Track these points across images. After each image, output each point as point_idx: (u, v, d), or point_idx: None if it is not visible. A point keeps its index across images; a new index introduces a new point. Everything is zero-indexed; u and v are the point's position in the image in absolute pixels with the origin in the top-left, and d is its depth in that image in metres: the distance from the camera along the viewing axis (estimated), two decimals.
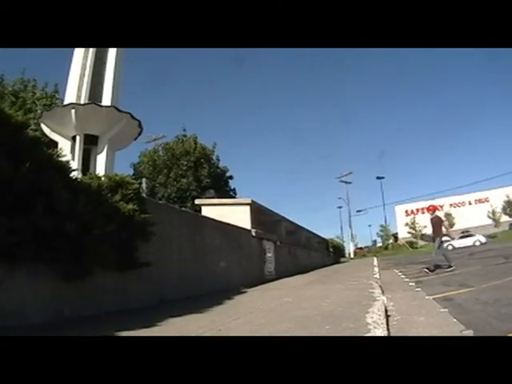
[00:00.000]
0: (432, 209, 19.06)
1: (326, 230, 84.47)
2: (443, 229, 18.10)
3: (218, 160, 43.32)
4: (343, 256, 70.94)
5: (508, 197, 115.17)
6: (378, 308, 5.49)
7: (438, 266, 17.67)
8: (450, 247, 58.59)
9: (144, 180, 35.36)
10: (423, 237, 23.28)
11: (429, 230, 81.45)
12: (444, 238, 18.58)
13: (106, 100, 19.45)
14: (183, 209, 14.66)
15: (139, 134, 21.46)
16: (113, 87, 19.95)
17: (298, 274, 19.52)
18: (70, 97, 19.32)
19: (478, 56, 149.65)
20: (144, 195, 11.33)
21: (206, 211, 17.45)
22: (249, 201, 18.56)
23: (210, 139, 61.24)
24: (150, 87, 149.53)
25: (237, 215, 16.75)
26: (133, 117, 19.69)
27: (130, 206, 7.71)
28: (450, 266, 17.23)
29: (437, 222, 18.02)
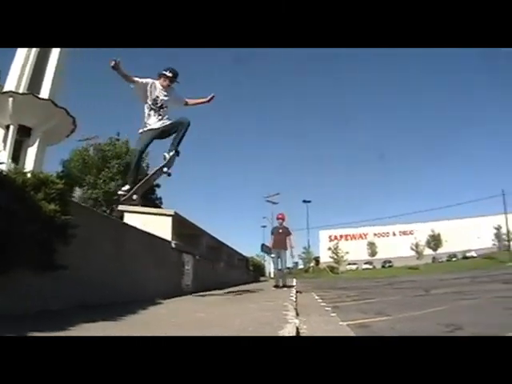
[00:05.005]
0: (281, 217, 19.01)
1: (248, 248, 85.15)
2: (288, 243, 18.60)
3: (148, 167, 43.27)
4: (263, 275, 71.43)
5: (433, 231, 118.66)
6: (289, 331, 5.51)
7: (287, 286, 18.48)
8: None
9: (78, 190, 35.17)
10: (263, 247, 21.74)
11: (351, 257, 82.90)
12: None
13: (45, 93, 19.27)
14: (105, 214, 14.50)
15: (72, 131, 21.31)
16: (53, 80, 19.77)
17: (215, 289, 19.47)
18: (10, 85, 19.09)
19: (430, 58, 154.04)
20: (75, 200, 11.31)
21: (129, 218, 17.39)
22: (172, 212, 18.50)
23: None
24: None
25: (158, 225, 16.60)
26: (68, 113, 19.54)
27: (52, 207, 7.62)
28: (284, 286, 18.39)
29: (284, 233, 18.55)
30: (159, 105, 10.84)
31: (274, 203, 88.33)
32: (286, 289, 17.86)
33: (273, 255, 19.02)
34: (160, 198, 45.79)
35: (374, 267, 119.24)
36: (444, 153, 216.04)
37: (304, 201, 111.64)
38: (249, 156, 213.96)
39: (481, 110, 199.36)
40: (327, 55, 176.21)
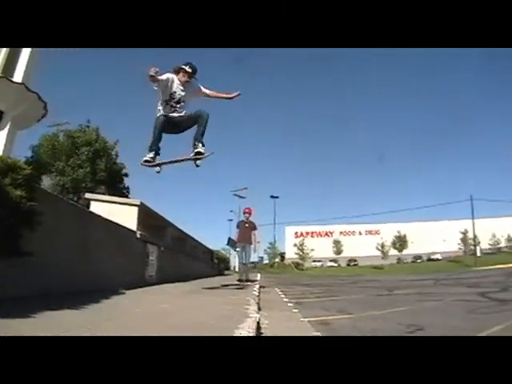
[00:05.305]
0: (248, 212, 19.16)
1: (214, 241, 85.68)
2: (252, 238, 18.87)
3: (117, 156, 43.12)
4: (228, 268, 71.65)
5: (399, 232, 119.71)
6: (249, 325, 5.46)
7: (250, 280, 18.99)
8: None
9: (47, 176, 34.96)
10: (230, 241, 21.54)
11: (316, 254, 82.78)
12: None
13: (18, 76, 19.14)
14: (72, 202, 14.38)
15: (43, 116, 21.16)
16: (27, 64, 19.64)
17: (179, 281, 19.39)
18: None
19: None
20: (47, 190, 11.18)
21: (95, 206, 17.35)
22: (137, 202, 18.50)
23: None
24: None
25: (124, 215, 16.48)
26: (40, 98, 19.43)
27: (18, 193, 7.56)
28: (247, 280, 18.64)
29: (250, 228, 18.86)
30: (176, 100, 10.67)
31: (241, 197, 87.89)
32: (249, 283, 18.09)
33: (238, 249, 19.10)
34: (127, 188, 45.52)
35: (339, 265, 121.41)
36: (420, 156, 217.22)
37: (272, 196, 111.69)
38: (223, 149, 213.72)
39: (478, 111, 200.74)
40: (327, 55, 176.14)
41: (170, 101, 10.62)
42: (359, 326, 7.56)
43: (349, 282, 30.49)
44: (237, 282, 18.33)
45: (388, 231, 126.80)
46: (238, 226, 19.42)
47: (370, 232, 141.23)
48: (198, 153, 10.53)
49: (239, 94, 11.29)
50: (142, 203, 18.39)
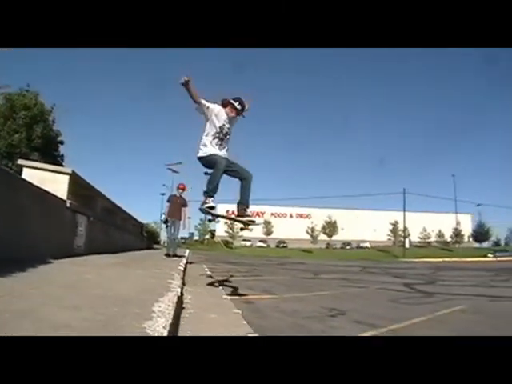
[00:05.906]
0: (182, 188, 19.96)
1: (144, 214, 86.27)
2: (182, 214, 19.34)
3: (54, 122, 42.31)
4: (157, 243, 71.31)
5: (330, 217, 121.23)
6: (169, 299, 5.51)
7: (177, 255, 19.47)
8: None
9: None
10: (167, 221, 21.92)
11: (246, 233, 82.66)
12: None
13: None
14: (1, 167, 14.12)
15: None
16: None
17: (107, 253, 19.23)
18: None
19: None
20: None
21: (27, 173, 17.07)
22: (69, 171, 18.09)
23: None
24: None
25: (55, 183, 16.26)
26: None
27: None
28: (175, 255, 19.14)
29: (180, 204, 19.35)
30: (223, 133, 10.26)
31: (174, 172, 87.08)
32: (176, 258, 18.30)
33: (168, 223, 19.22)
34: (62, 156, 44.61)
35: (268, 246, 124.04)
36: (357, 147, 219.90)
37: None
38: (160, 121, 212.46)
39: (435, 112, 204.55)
40: (327, 55, 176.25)
41: (219, 133, 10.30)
42: (282, 306, 7.68)
43: (276, 263, 31.22)
44: (164, 257, 18.48)
45: (319, 216, 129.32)
46: (168, 200, 19.54)
47: (300, 215, 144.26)
48: (252, 221, 10.50)
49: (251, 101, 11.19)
50: (73, 172, 18.06)
